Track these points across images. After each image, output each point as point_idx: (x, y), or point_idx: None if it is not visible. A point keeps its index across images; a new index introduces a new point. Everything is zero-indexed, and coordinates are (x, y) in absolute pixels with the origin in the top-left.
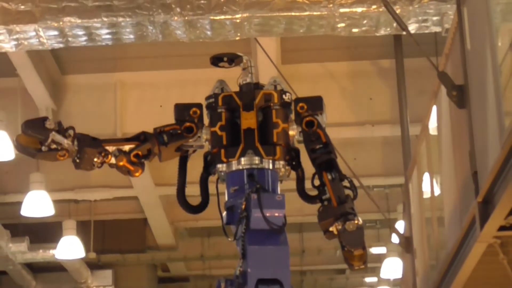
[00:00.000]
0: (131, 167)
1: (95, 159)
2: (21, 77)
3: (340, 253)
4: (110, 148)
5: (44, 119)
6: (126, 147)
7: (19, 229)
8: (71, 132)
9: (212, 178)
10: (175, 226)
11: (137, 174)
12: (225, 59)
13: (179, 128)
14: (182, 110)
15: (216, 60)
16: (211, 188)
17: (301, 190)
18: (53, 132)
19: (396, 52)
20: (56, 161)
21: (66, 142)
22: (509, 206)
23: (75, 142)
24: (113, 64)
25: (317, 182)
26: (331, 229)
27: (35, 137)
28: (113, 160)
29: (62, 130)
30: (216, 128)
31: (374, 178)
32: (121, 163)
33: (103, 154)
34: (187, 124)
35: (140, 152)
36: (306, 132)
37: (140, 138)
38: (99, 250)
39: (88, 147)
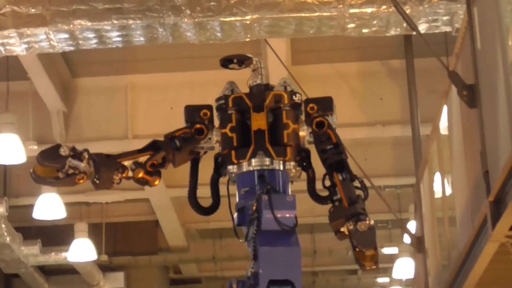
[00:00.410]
0: (149, 178)
1: (114, 177)
2: (32, 80)
3: (352, 253)
4: (126, 163)
5: (58, 146)
6: (141, 159)
7: (31, 232)
8: (85, 154)
9: (223, 180)
10: (186, 227)
11: (156, 183)
12: (235, 60)
13: (189, 131)
14: (192, 111)
15: (226, 62)
16: (222, 190)
17: (312, 190)
18: (69, 158)
19: (406, 52)
20: (75, 185)
21: (83, 166)
22: None
23: (91, 163)
24: (123, 67)
25: (328, 183)
26: (342, 229)
27: (52, 166)
28: (130, 174)
29: (77, 154)
30: (227, 130)
31: (385, 178)
32: (139, 176)
33: (120, 170)
34: (198, 125)
35: (155, 162)
36: (317, 132)
37: (153, 147)
38: (111, 253)
39: (105, 166)
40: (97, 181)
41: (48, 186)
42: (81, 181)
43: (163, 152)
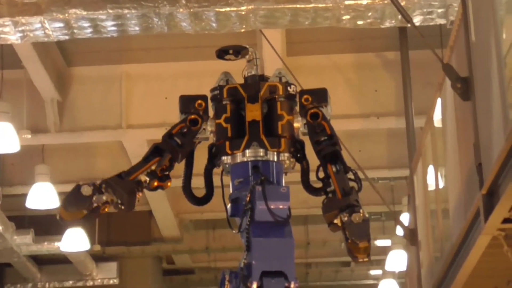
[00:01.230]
0: (162, 184)
1: (136, 196)
2: (27, 69)
3: (345, 245)
4: (142, 178)
5: (78, 188)
6: (152, 168)
7: (24, 221)
8: (103, 185)
9: (216, 170)
10: (180, 218)
11: (168, 185)
12: (231, 51)
13: (184, 125)
14: (187, 102)
15: (222, 53)
16: (216, 180)
17: (305, 182)
18: (94, 197)
19: (401, 44)
20: (100, 215)
21: (105, 198)
22: None
23: (111, 191)
24: (118, 56)
25: (321, 175)
26: (335, 221)
27: (80, 210)
28: (145, 185)
29: (97, 189)
30: (221, 120)
31: (379, 170)
32: (154, 185)
33: (138, 188)
34: (192, 116)
35: (164, 166)
36: (311, 124)
37: (157, 152)
38: (104, 242)
39: (126, 191)
40: (122, 207)
41: (77, 225)
42: (106, 210)
43: (168, 154)
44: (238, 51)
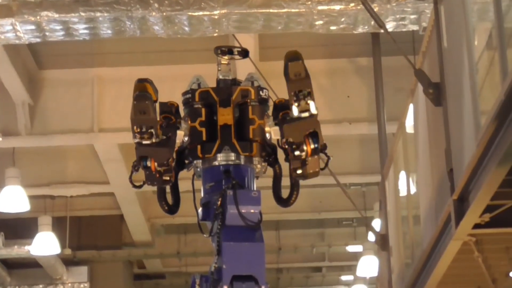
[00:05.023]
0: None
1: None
2: None
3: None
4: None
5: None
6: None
7: None
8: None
9: (187, 174)
10: (151, 222)
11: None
12: (236, 51)
13: (161, 121)
14: (163, 104)
15: (222, 52)
16: (188, 185)
17: (276, 189)
18: None
19: (373, 50)
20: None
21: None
22: (484, 204)
23: None
24: (90, 59)
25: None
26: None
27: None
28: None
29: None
30: (196, 124)
31: (351, 176)
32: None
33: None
34: (166, 114)
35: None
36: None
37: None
38: (74, 246)
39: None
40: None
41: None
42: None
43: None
44: (245, 52)
